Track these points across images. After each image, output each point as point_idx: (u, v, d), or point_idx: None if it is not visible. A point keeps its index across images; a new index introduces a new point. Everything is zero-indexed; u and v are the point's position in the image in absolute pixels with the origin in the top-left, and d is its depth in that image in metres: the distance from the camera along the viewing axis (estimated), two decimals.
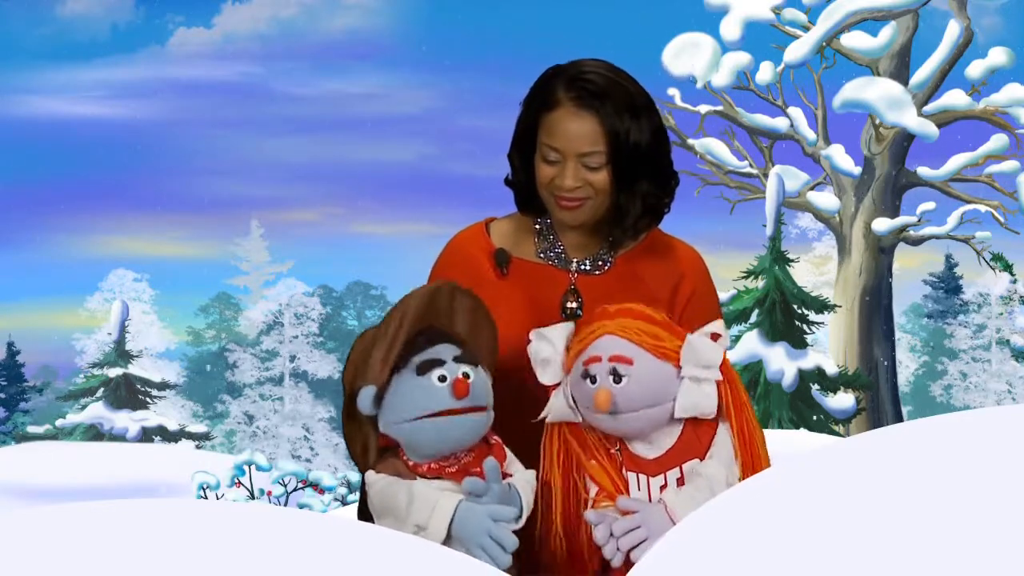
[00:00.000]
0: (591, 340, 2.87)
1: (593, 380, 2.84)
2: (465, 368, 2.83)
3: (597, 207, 3.11)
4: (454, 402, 2.79)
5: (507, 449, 2.91)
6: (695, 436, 2.87)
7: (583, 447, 2.92)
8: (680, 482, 2.86)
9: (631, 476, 2.88)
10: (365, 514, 2.90)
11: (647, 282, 3.17)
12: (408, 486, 2.80)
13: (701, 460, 2.87)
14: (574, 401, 2.89)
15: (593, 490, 2.90)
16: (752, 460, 2.86)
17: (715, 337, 2.86)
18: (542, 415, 2.93)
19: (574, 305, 3.16)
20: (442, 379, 2.81)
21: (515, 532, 2.79)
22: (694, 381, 2.84)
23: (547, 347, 2.91)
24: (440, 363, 2.82)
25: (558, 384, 2.92)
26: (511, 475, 2.88)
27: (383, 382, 2.83)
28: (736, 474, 2.85)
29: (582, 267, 3.19)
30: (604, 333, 2.86)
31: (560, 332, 2.93)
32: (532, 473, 2.89)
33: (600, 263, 3.19)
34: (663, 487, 2.86)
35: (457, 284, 2.94)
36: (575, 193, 3.08)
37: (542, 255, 3.20)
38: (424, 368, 2.82)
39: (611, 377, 2.82)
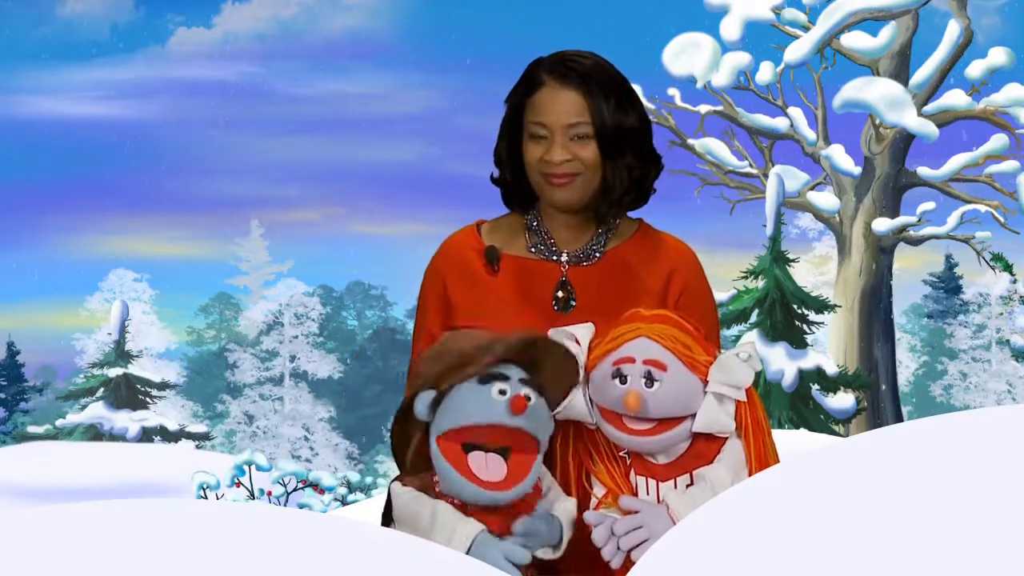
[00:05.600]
0: (625, 340, 2.84)
1: (623, 380, 2.81)
2: (528, 391, 2.80)
3: (586, 184, 3.12)
4: (509, 418, 2.76)
5: (545, 480, 2.87)
6: (706, 444, 2.85)
7: (594, 448, 2.91)
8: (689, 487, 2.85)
9: (640, 480, 2.86)
10: (388, 519, 2.91)
11: (638, 274, 3.17)
12: (432, 506, 2.79)
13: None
14: (590, 402, 2.88)
15: (599, 491, 2.89)
16: None
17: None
18: (554, 412, 2.92)
19: (564, 295, 3.15)
20: (502, 392, 2.79)
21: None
22: (718, 398, 2.81)
23: (572, 346, 2.89)
24: (504, 378, 2.80)
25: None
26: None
27: (444, 389, 2.81)
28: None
29: (573, 259, 3.19)
30: (640, 335, 2.83)
31: (585, 331, 2.91)
32: (573, 502, 2.87)
33: (590, 254, 3.19)
34: None
35: (559, 342, 2.90)
36: (563, 168, 3.10)
37: (533, 250, 3.21)
38: (486, 379, 2.80)
39: (644, 380, 2.79)
